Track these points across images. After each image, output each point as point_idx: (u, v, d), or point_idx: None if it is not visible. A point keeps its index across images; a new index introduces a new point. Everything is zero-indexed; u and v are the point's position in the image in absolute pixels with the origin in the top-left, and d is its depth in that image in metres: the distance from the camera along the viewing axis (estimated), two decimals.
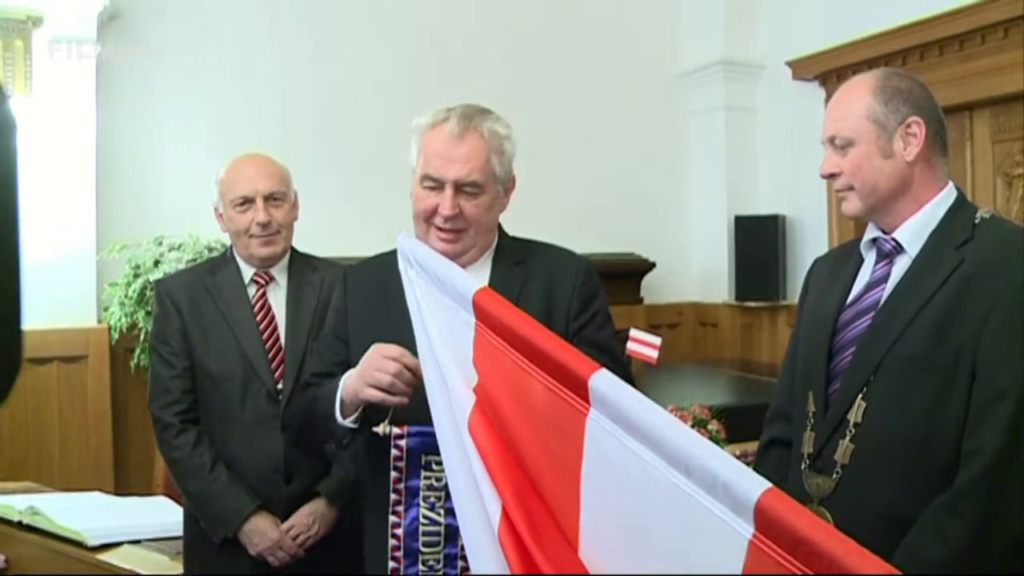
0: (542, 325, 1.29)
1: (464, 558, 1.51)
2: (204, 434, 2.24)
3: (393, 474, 1.57)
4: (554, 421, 1.20)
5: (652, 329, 4.53)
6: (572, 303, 1.73)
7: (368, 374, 1.57)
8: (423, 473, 1.57)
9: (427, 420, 1.51)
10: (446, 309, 1.45)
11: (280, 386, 2.23)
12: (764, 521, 0.89)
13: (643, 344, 3.86)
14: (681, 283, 5.75)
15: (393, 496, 1.57)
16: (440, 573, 1.58)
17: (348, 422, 1.64)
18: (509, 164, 1.74)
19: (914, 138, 1.60)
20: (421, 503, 1.58)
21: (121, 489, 3.80)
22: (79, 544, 2.35)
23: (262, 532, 2.15)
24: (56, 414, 3.90)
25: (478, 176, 1.67)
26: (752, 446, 2.97)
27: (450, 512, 1.53)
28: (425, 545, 1.58)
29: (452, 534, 1.56)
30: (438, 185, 1.67)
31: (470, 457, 1.32)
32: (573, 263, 1.80)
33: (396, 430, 1.56)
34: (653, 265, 5.43)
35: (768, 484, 0.91)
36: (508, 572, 1.22)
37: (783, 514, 0.88)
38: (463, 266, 1.62)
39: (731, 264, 5.59)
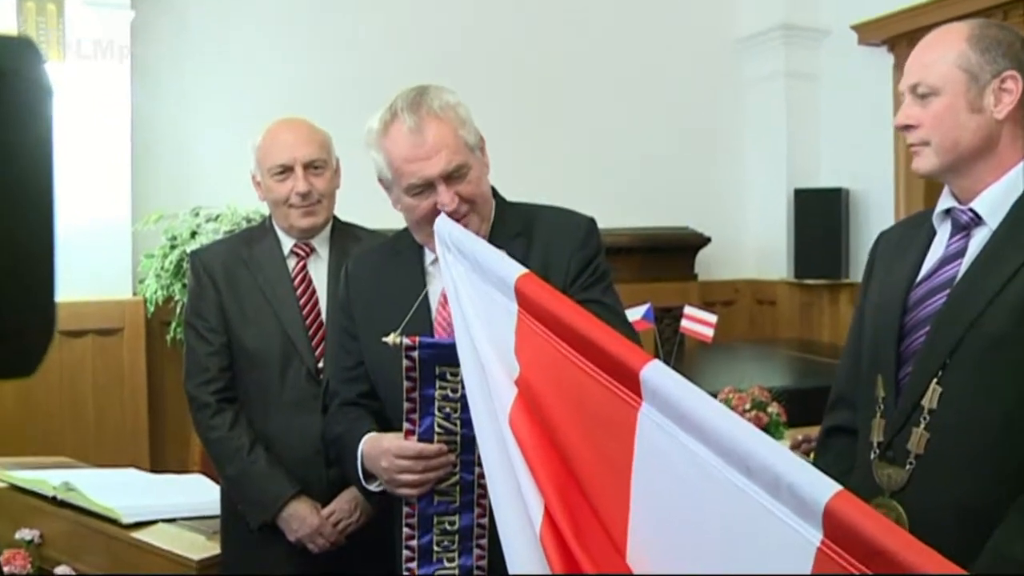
0: (590, 313, 1.23)
1: (480, 463, 1.48)
2: (242, 414, 2.17)
3: (406, 383, 1.54)
4: (602, 415, 1.14)
5: (707, 307, 4.47)
6: (571, 266, 1.67)
7: (393, 480, 1.59)
8: (437, 383, 1.54)
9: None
10: (486, 296, 1.40)
11: (321, 364, 2.15)
12: (834, 527, 0.83)
13: (698, 322, 3.76)
14: (737, 259, 5.66)
15: (407, 404, 1.55)
16: (457, 477, 1.57)
17: (374, 487, 1.68)
18: (473, 127, 1.68)
19: (1008, 94, 1.49)
20: (436, 412, 1.55)
21: (157, 465, 3.81)
22: (114, 521, 2.32)
23: (302, 518, 2.08)
24: (91, 388, 3.90)
25: (459, 159, 1.62)
26: (813, 431, 2.87)
27: (466, 423, 1.51)
28: None
29: (467, 443, 1.53)
30: (426, 187, 1.62)
31: (511, 453, 1.27)
32: (573, 225, 1.74)
33: (407, 341, 1.52)
34: (708, 240, 5.35)
35: (838, 487, 0.85)
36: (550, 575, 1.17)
37: (856, 520, 0.82)
38: None
39: (790, 240, 5.48)
